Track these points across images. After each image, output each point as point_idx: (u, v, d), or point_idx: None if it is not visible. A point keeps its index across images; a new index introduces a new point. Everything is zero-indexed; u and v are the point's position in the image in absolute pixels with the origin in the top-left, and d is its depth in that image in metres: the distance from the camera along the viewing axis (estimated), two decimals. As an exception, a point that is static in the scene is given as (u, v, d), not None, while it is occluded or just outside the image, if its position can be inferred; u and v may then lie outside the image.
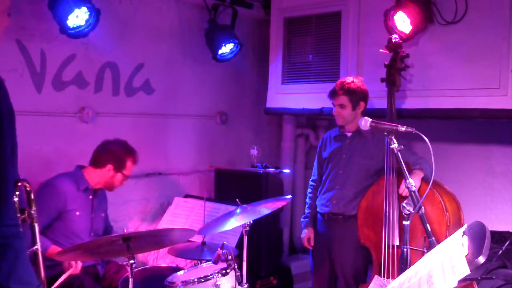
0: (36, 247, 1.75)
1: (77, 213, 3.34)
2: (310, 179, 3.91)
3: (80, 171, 3.44)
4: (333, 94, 3.61)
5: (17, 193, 1.68)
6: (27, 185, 1.80)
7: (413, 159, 3.37)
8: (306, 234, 3.77)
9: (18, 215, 1.65)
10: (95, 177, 3.45)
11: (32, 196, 1.80)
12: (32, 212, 1.75)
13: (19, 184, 1.71)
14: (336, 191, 3.59)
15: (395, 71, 3.58)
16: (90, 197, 3.45)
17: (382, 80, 3.65)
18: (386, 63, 3.64)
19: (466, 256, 1.51)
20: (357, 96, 3.56)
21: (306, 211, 3.84)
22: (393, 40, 3.62)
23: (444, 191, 3.27)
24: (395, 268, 3.22)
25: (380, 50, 3.67)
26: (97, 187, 3.49)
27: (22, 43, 3.67)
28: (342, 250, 3.59)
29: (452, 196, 3.30)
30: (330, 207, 3.59)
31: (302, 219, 3.85)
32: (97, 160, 3.45)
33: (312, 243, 3.76)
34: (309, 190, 3.88)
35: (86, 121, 4.03)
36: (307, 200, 3.86)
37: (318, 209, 3.71)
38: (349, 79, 3.63)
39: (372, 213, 3.41)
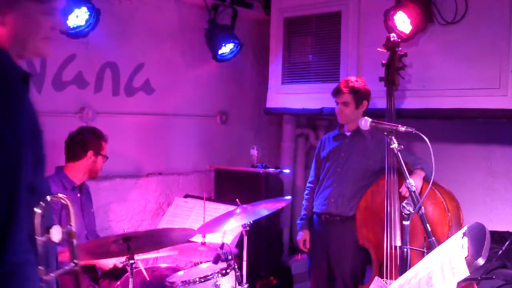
0: (72, 264, 1.55)
1: None
2: (307, 181, 3.90)
3: (62, 171, 3.40)
4: (337, 92, 3.61)
5: (40, 211, 1.47)
6: (65, 200, 1.60)
7: (411, 159, 3.37)
8: (302, 237, 3.76)
9: (39, 237, 1.44)
10: (79, 170, 3.42)
11: (71, 211, 1.59)
12: (71, 227, 1.56)
13: (54, 199, 1.55)
14: (333, 189, 3.59)
15: (393, 70, 3.58)
16: (78, 195, 3.45)
17: (381, 79, 3.64)
18: (384, 62, 3.64)
19: (465, 258, 1.50)
20: (361, 95, 3.57)
21: (302, 213, 3.83)
22: (391, 39, 3.61)
23: (444, 190, 3.27)
24: (397, 269, 3.22)
25: (378, 49, 3.67)
26: (82, 180, 3.47)
27: (22, 43, 3.66)
28: (340, 251, 3.58)
29: (452, 196, 3.30)
30: (328, 206, 3.59)
31: (298, 221, 3.84)
32: (75, 153, 3.41)
33: (307, 246, 3.75)
34: (306, 192, 3.88)
35: (86, 121, 4.02)
36: (304, 202, 3.86)
37: (315, 209, 3.71)
38: (353, 78, 3.66)
39: (372, 214, 3.41)
